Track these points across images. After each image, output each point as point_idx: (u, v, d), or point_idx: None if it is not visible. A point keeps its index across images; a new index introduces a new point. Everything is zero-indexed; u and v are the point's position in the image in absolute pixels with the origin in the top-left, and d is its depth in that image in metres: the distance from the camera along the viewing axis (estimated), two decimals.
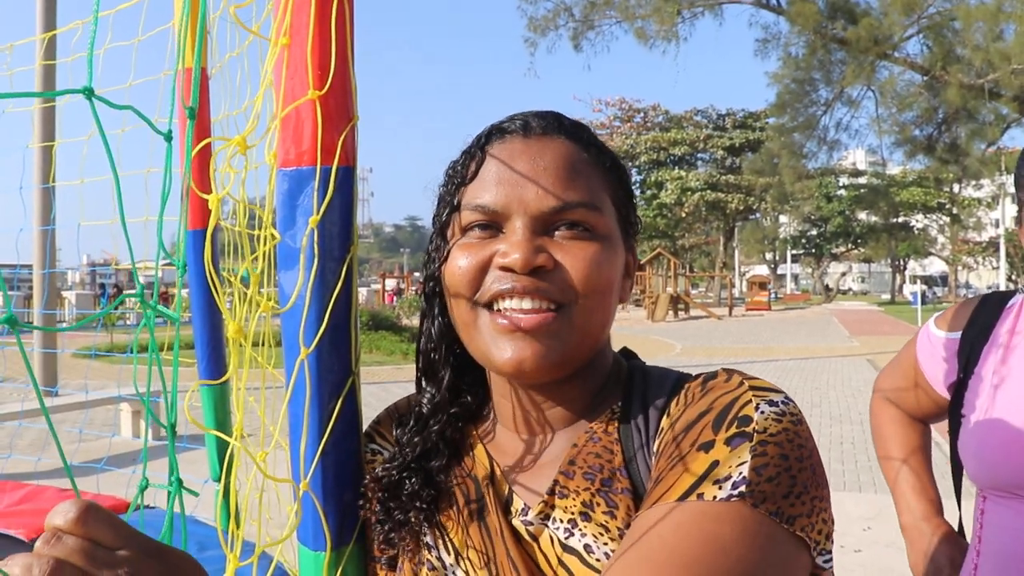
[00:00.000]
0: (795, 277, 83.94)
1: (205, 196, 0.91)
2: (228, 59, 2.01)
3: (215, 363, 2.02)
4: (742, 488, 0.65)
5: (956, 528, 1.51)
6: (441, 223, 0.86)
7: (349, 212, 0.92)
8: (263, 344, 1.12)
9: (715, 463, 0.67)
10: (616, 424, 0.81)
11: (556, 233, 0.79)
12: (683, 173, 50.47)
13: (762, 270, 70.46)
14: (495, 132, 0.85)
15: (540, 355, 0.76)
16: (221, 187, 0.94)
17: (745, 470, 0.66)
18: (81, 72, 3.29)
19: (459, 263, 0.80)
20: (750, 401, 0.71)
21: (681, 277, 35.23)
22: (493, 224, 0.80)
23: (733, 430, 0.69)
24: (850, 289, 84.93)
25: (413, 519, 0.86)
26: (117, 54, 2.77)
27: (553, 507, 0.79)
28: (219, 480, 2.19)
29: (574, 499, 0.78)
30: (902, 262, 60.84)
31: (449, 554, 0.84)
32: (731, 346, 19.96)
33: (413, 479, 0.87)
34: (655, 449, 0.77)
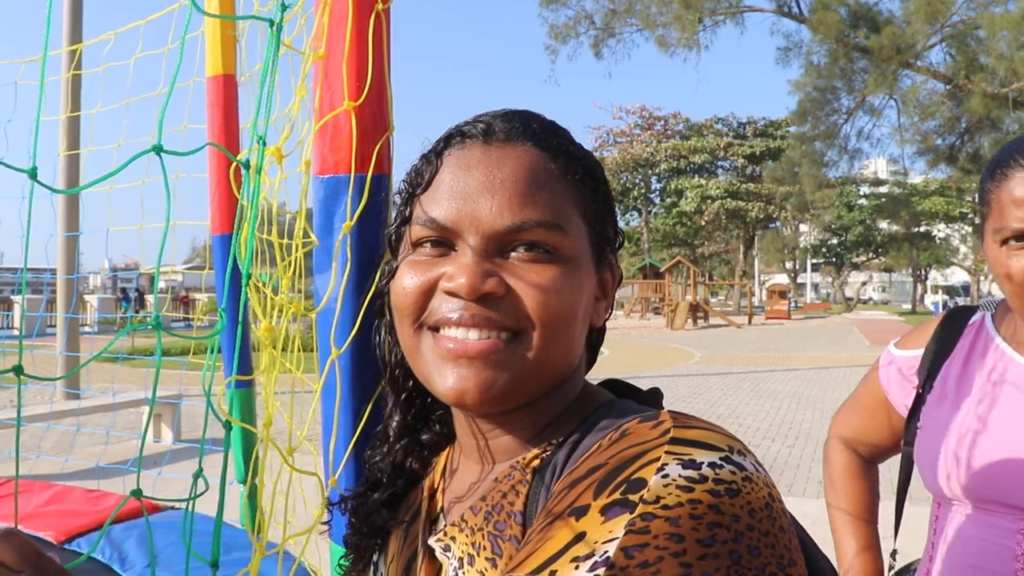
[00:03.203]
0: (815, 286, 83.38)
1: (246, 202, 0.94)
2: (257, 69, 2.05)
3: (242, 366, 2.06)
4: (600, 572, 0.51)
5: (893, 530, 1.58)
6: (393, 236, 0.80)
7: (383, 219, 0.95)
8: (291, 349, 1.15)
9: (580, 535, 0.54)
10: (539, 463, 0.72)
11: (512, 254, 0.70)
12: (703, 181, 50.30)
13: (782, 279, 69.99)
14: (455, 136, 0.76)
15: (484, 387, 0.68)
16: (245, 195, 0.97)
17: (612, 549, 0.52)
18: (107, 82, 3.35)
19: (404, 283, 0.73)
20: (656, 460, 0.56)
21: (701, 285, 35.05)
22: (444, 241, 0.72)
23: (616, 496, 0.55)
24: (871, 299, 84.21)
25: (360, 541, 0.86)
26: (146, 62, 2.82)
27: (454, 539, 0.73)
28: (244, 482, 2.23)
29: (468, 537, 0.72)
30: (923, 272, 60.28)
31: (384, 564, 0.85)
32: (750, 355, 19.85)
33: (368, 503, 0.86)
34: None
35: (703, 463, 0.56)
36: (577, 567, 0.52)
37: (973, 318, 1.42)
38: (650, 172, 54.22)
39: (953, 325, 1.43)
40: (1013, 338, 1.33)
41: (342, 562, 0.91)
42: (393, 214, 0.81)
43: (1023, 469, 1.22)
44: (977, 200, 1.33)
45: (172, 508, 2.74)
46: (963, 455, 1.28)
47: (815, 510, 6.02)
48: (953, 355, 1.39)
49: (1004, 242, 1.22)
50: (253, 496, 1.95)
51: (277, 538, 1.21)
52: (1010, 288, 1.23)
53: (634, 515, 0.53)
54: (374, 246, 0.94)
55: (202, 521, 2.39)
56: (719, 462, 0.56)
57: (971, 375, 1.35)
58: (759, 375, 15.19)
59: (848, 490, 1.60)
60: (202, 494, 0.88)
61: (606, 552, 0.52)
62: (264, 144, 0.86)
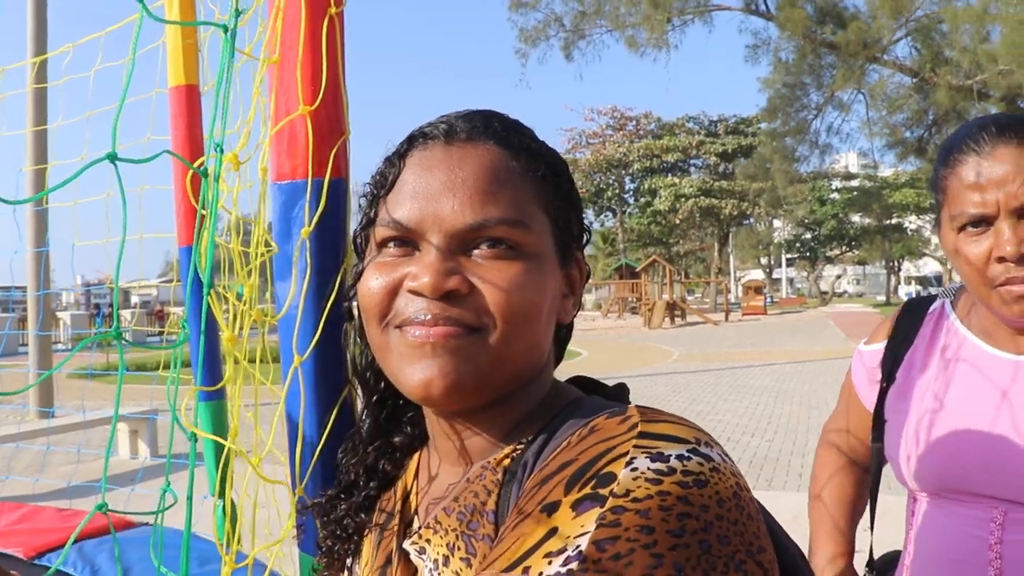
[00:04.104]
0: (790, 281, 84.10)
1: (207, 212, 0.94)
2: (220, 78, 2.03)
3: (211, 379, 2.04)
4: (573, 566, 0.52)
5: (870, 526, 1.54)
6: (359, 238, 0.80)
7: (342, 223, 0.95)
8: (259, 359, 1.14)
9: (552, 531, 0.55)
10: (509, 462, 0.73)
11: (475, 252, 0.71)
12: (676, 180, 50.59)
13: (757, 275, 70.48)
14: (417, 137, 0.76)
15: (447, 374, 0.69)
16: (204, 204, 0.96)
17: (584, 543, 0.52)
18: (72, 94, 3.31)
19: (370, 284, 0.73)
20: (625, 454, 0.57)
21: (677, 284, 35.24)
22: (408, 241, 0.73)
23: (586, 491, 0.56)
24: (845, 292, 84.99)
25: (334, 545, 0.86)
26: (107, 73, 2.79)
27: (429, 541, 0.74)
28: (217, 495, 2.20)
29: (443, 538, 0.72)
30: (896, 263, 60.96)
31: (359, 568, 0.85)
32: (728, 351, 19.98)
33: (341, 506, 0.86)
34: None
35: (671, 455, 0.57)
36: (550, 562, 0.53)
37: (933, 306, 1.40)
38: (623, 172, 54.47)
39: (912, 315, 1.41)
40: (974, 324, 1.31)
41: (315, 566, 0.91)
42: (358, 218, 0.81)
43: (990, 458, 1.20)
44: (931, 188, 1.30)
45: (146, 524, 2.71)
46: (930, 447, 1.26)
47: (796, 504, 6.05)
48: (915, 345, 1.37)
49: (961, 228, 1.19)
50: (230, 509, 1.93)
51: (250, 550, 1.20)
52: (969, 274, 1.19)
53: (604, 508, 0.54)
54: (333, 251, 0.94)
55: (175, 535, 2.37)
56: (686, 454, 0.57)
57: (933, 364, 1.33)
58: (737, 371, 15.28)
59: (830, 482, 1.57)
60: (170, 507, 0.87)
61: (578, 546, 0.53)
62: (221, 151, 0.85)
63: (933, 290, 1.55)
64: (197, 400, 1.97)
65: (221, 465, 2.13)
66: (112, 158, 0.66)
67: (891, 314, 1.47)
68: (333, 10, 0.93)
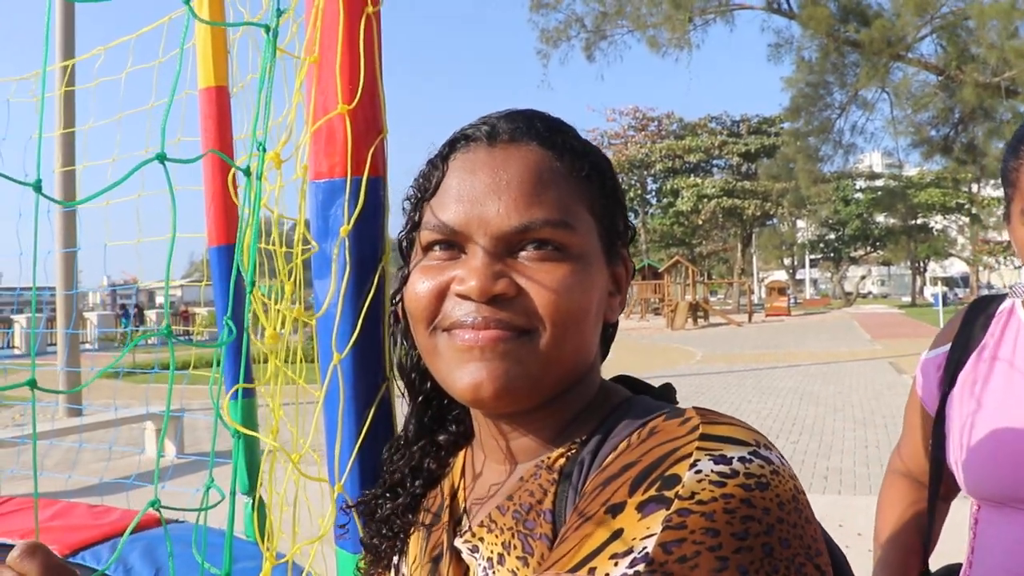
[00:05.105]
0: (814, 282, 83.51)
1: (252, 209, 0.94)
2: (250, 79, 2.05)
3: (245, 378, 2.05)
4: (640, 567, 0.52)
5: (926, 536, 1.43)
6: (404, 242, 0.81)
7: (381, 222, 0.95)
8: (291, 359, 1.15)
9: (618, 532, 0.55)
10: (565, 461, 0.73)
11: (522, 254, 0.71)
12: (699, 180, 50.46)
13: (781, 275, 69.97)
14: (460, 140, 0.76)
15: (498, 380, 0.69)
16: (246, 203, 0.97)
17: (650, 545, 0.53)
18: (100, 97, 3.35)
19: (417, 288, 0.73)
20: (688, 456, 0.57)
21: (700, 285, 35.07)
22: (454, 244, 0.73)
23: (651, 492, 0.56)
24: (870, 293, 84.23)
25: (380, 544, 0.86)
26: (137, 76, 2.82)
27: (482, 540, 0.74)
28: (248, 493, 2.22)
29: (497, 536, 0.72)
30: (922, 264, 60.29)
31: (406, 566, 0.85)
32: (752, 352, 19.86)
33: (387, 505, 0.86)
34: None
35: (733, 458, 0.57)
36: (616, 563, 0.53)
37: (1002, 306, 1.30)
38: (645, 173, 54.36)
39: (978, 316, 1.31)
40: None
41: (360, 565, 0.92)
42: (403, 220, 0.82)
43: None
44: (1001, 181, 1.22)
45: (178, 521, 2.74)
46: (991, 453, 1.18)
47: (821, 505, 6.02)
48: (981, 347, 1.28)
49: None
50: (260, 507, 1.95)
51: (282, 548, 1.21)
52: None
53: (670, 511, 0.54)
54: (372, 249, 0.94)
55: (208, 533, 2.38)
56: (748, 456, 0.57)
57: (1001, 366, 1.23)
58: (761, 372, 15.19)
59: (896, 508, 1.47)
60: (216, 504, 0.88)
61: (644, 548, 0.53)
62: (264, 150, 0.86)
63: (960, 291, 1.43)
64: (239, 398, 1.99)
65: (252, 463, 2.15)
66: (162, 158, 0.67)
67: (955, 315, 1.38)
68: (370, 9, 0.94)
